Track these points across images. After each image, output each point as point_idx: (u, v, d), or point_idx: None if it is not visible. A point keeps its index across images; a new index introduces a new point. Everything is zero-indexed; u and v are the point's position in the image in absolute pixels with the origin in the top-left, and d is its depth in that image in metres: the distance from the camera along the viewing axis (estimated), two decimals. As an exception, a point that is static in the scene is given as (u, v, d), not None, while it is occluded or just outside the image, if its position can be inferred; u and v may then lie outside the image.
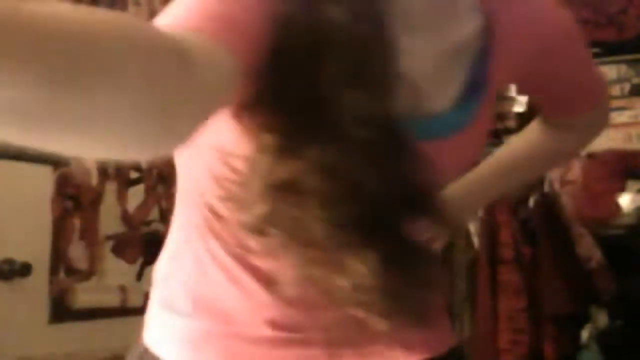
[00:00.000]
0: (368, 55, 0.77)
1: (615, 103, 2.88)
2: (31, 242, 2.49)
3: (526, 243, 2.18)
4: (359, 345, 0.91)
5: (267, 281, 0.89)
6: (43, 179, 2.56)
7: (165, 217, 3.12)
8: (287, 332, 0.90)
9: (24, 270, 2.43)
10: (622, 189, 2.79)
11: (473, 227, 2.52)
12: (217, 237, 0.92)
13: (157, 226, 3.03)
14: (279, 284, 0.87)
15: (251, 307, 0.90)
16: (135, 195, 2.92)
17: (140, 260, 2.94)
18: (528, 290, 2.47)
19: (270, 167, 0.75)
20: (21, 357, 2.42)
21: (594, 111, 1.10)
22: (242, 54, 0.68)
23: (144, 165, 2.84)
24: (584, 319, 3.02)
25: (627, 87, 3.08)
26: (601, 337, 3.02)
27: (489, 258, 2.39)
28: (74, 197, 2.64)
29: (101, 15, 0.49)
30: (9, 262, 2.41)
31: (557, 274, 2.54)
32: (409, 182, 0.80)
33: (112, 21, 0.49)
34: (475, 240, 2.56)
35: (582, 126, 1.12)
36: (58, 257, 2.59)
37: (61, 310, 2.59)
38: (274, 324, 0.90)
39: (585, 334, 3.03)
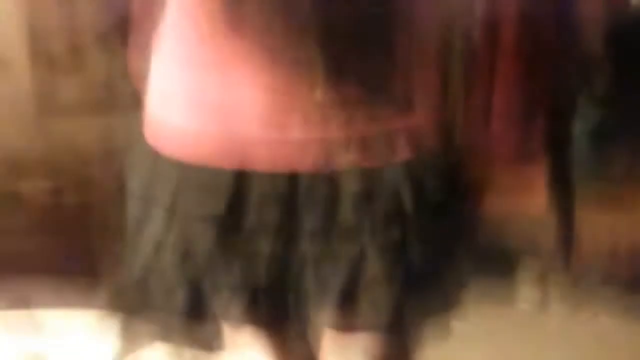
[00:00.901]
0: None
1: None
2: (8, 35, 2.39)
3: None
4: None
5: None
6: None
7: None
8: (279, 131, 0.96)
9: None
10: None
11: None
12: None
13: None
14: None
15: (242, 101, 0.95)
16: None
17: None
18: (522, 83, 2.43)
19: None
20: (9, 153, 2.40)
21: None
22: None
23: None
24: (577, 114, 3.00)
25: None
26: (593, 131, 3.03)
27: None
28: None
29: None
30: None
31: (554, 68, 2.48)
32: None
33: None
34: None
35: None
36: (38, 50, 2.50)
37: (48, 105, 2.54)
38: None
39: (577, 129, 3.04)
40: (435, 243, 1.07)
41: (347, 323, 1.08)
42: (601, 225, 3.03)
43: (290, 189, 0.99)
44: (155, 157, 1.03)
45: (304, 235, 1.01)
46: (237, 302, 1.03)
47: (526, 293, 3.01)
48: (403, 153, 1.02)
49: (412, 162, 1.02)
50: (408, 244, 1.04)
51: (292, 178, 0.99)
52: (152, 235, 1.05)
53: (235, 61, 0.95)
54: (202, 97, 0.97)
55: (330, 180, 1.00)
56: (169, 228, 1.02)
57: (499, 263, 3.19)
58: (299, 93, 0.95)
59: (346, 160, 0.99)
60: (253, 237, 1.00)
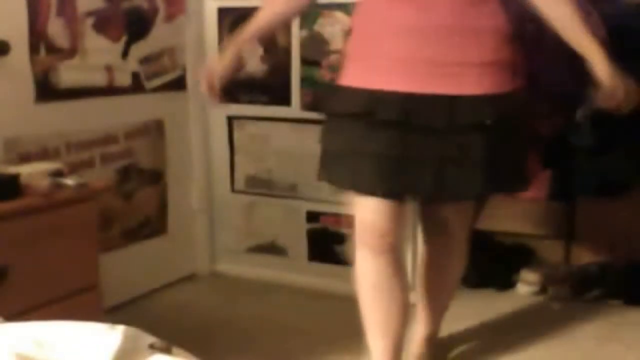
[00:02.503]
0: None
1: None
2: (6, 19, 2.36)
3: (531, 19, 2.09)
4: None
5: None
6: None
7: (148, -9, 2.96)
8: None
9: (2, 48, 2.32)
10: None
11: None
12: None
13: (139, 1, 2.88)
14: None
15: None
16: (115, -32, 2.74)
17: (124, 38, 2.83)
18: (527, 67, 2.40)
19: None
20: (8, 137, 2.39)
21: None
22: None
23: None
24: (580, 98, 2.98)
25: None
26: (595, 117, 3.00)
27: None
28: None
29: None
30: (-14, 39, 2.30)
31: (558, 52, 2.46)
32: None
33: None
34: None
35: None
36: (37, 35, 2.48)
37: (46, 90, 2.52)
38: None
39: (579, 114, 3.02)
40: (508, 146, 1.95)
41: (449, 195, 1.96)
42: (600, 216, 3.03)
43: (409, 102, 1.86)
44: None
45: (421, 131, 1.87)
46: (375, 172, 1.90)
47: (527, 278, 3.01)
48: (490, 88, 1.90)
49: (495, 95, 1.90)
50: (490, 144, 1.89)
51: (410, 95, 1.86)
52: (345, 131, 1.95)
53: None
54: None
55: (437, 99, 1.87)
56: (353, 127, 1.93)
57: (501, 251, 3.19)
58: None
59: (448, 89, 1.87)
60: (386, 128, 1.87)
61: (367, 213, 1.99)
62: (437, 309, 2.34)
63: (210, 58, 1.89)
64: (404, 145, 1.88)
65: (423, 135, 1.87)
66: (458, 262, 2.31)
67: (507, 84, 1.94)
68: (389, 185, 1.92)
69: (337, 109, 1.98)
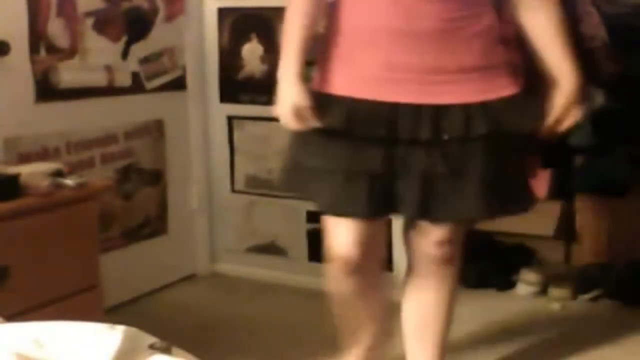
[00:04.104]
0: None
1: None
2: (6, 19, 2.36)
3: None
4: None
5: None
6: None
7: (148, -9, 2.96)
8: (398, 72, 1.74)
9: (2, 48, 2.32)
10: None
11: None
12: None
13: (138, 1, 2.88)
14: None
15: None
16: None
17: (124, 38, 2.83)
18: (526, 67, 2.40)
19: None
20: (8, 137, 2.39)
21: None
22: None
23: None
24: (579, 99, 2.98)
25: None
26: (595, 117, 3.00)
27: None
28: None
29: None
30: (-14, 40, 2.30)
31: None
32: None
33: None
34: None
35: None
36: (37, 35, 2.48)
37: (46, 90, 2.52)
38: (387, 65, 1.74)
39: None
40: (505, 160, 1.79)
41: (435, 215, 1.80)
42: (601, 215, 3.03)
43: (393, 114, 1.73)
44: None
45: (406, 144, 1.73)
46: (356, 195, 1.76)
47: (527, 278, 3.01)
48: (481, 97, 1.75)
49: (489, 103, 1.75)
50: (487, 158, 1.75)
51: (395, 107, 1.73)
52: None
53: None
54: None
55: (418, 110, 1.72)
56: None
57: (501, 251, 3.19)
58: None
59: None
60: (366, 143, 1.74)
61: (341, 240, 1.86)
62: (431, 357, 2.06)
63: (287, 104, 1.77)
64: (389, 163, 1.74)
65: (411, 150, 1.73)
66: (450, 296, 2.03)
67: (504, 88, 1.77)
68: (371, 209, 1.78)
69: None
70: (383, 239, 2.14)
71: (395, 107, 1.71)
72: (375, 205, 1.77)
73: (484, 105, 1.73)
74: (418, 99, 1.71)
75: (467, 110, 1.72)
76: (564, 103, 1.76)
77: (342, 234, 1.85)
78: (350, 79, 1.76)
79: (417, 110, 1.71)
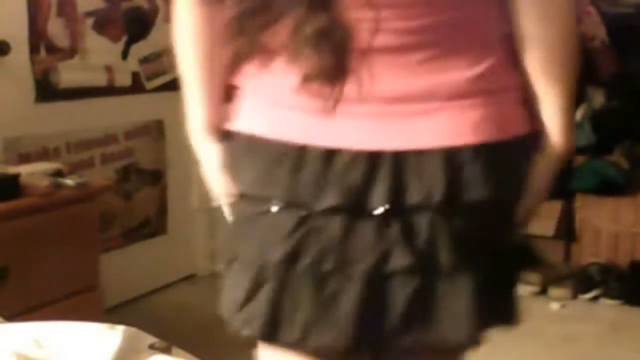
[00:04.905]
0: None
1: None
2: (6, 19, 2.36)
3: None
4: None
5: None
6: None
7: (147, -9, 2.96)
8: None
9: (2, 48, 2.32)
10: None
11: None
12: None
13: (138, 1, 2.88)
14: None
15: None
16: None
17: (124, 38, 2.83)
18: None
19: None
20: (8, 137, 2.39)
21: None
22: None
23: None
24: (579, 99, 2.98)
25: None
26: (595, 117, 3.01)
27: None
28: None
29: None
30: (-14, 40, 2.31)
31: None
32: None
33: None
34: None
35: None
36: (37, 35, 2.48)
37: (46, 90, 2.52)
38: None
39: (579, 114, 3.02)
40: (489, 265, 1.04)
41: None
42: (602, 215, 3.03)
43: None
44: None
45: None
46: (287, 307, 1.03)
47: (527, 278, 3.01)
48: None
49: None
50: (462, 240, 1.00)
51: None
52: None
53: None
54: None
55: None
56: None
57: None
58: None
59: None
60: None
61: None
62: None
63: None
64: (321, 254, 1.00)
65: (354, 226, 0.99)
66: None
67: (501, 127, 1.02)
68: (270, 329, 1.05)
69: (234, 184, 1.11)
70: None
71: (329, 155, 0.99)
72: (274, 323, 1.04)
73: (468, 151, 0.99)
74: (369, 143, 0.99)
75: (452, 157, 0.98)
76: (540, 173, 1.08)
77: None
78: (273, 111, 1.04)
79: (365, 160, 0.98)
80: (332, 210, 0.98)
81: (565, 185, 3.02)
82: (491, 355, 2.52)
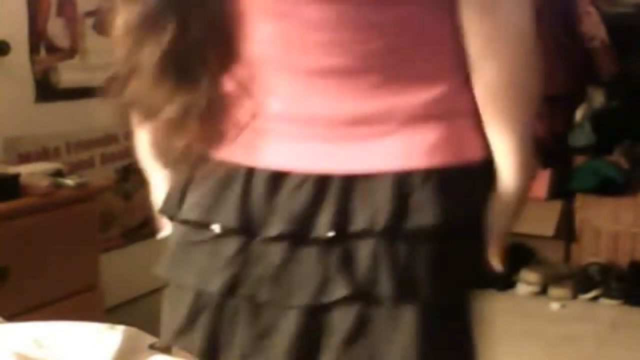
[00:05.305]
0: None
1: None
2: (6, 19, 2.36)
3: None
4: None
5: None
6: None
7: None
8: None
9: (2, 48, 2.33)
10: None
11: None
12: None
13: None
14: None
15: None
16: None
17: (124, 38, 2.83)
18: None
19: None
20: (8, 137, 2.39)
21: None
22: None
23: None
24: (579, 99, 2.99)
25: None
26: (595, 117, 3.01)
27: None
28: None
29: None
30: (-14, 39, 2.31)
31: (557, 52, 2.46)
32: None
33: None
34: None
35: None
36: (37, 35, 2.48)
37: (46, 90, 2.52)
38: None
39: (579, 114, 3.03)
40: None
41: None
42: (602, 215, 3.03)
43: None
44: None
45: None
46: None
47: (527, 278, 3.01)
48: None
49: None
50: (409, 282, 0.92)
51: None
52: None
53: None
54: None
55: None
56: None
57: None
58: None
59: None
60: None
61: None
62: None
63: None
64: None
65: (296, 253, 0.94)
66: None
67: (456, 151, 0.94)
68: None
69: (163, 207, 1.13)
70: None
71: (277, 177, 0.94)
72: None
73: (433, 173, 0.92)
74: (318, 165, 0.93)
75: (402, 182, 0.91)
76: (495, 213, 0.98)
77: None
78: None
79: (314, 182, 0.93)
80: (276, 238, 0.92)
81: (565, 185, 3.02)
82: (491, 355, 2.52)
